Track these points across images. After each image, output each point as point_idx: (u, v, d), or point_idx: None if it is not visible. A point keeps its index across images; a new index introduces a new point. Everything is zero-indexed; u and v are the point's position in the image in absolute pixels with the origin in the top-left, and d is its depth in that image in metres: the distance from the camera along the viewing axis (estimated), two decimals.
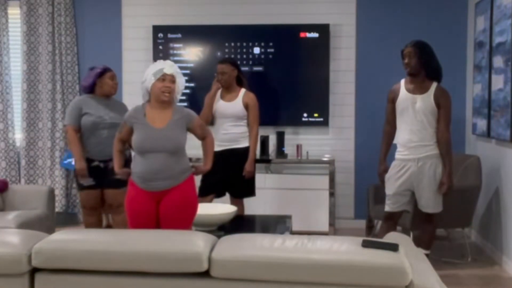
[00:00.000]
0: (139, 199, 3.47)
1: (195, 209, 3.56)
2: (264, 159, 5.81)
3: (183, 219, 3.41)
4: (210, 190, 4.82)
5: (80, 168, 4.41)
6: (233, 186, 4.88)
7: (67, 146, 4.72)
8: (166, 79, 3.42)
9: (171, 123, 3.43)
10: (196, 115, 3.63)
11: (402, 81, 4.29)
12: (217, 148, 4.82)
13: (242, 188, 4.88)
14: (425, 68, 4.16)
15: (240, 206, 4.78)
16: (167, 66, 3.46)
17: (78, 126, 4.44)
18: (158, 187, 3.42)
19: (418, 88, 4.18)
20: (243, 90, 4.88)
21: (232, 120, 4.83)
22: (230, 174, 4.80)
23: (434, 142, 4.17)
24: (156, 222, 3.46)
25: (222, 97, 4.88)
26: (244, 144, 4.84)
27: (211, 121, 4.92)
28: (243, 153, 4.80)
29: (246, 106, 4.82)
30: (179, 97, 3.57)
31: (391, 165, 4.30)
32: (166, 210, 3.42)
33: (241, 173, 4.79)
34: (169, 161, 3.40)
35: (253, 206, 5.18)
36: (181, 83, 3.51)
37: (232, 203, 4.78)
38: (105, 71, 4.53)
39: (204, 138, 3.69)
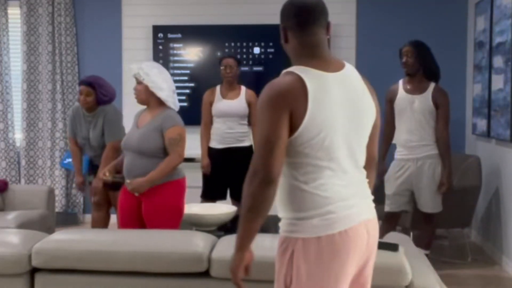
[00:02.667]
0: (123, 196, 3.55)
1: (178, 214, 3.52)
2: None
3: (165, 223, 3.37)
4: (214, 195, 4.79)
5: (77, 182, 4.66)
6: (237, 186, 4.85)
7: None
8: (136, 81, 3.48)
9: (148, 125, 3.43)
10: (173, 126, 3.39)
11: (400, 82, 4.30)
12: (219, 146, 4.83)
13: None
14: (423, 68, 4.17)
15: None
16: (133, 69, 3.45)
17: (76, 137, 4.57)
18: None
19: (416, 88, 4.19)
20: (243, 88, 4.87)
21: (237, 118, 4.80)
22: (233, 173, 4.76)
23: (433, 142, 4.17)
24: (140, 221, 3.48)
25: (223, 96, 4.84)
26: (246, 143, 4.83)
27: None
28: (246, 152, 4.78)
29: (249, 104, 4.81)
30: (164, 93, 3.42)
31: (391, 165, 4.30)
32: (146, 211, 3.44)
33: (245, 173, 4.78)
34: (137, 161, 3.40)
35: None
36: (150, 81, 3.39)
37: (234, 204, 4.76)
38: (79, 85, 4.44)
39: (168, 154, 3.41)
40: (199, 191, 4.89)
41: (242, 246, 1.88)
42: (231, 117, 4.78)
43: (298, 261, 1.82)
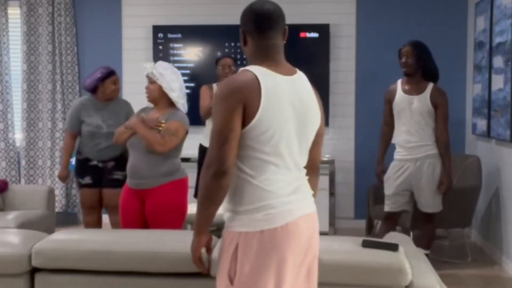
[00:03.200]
0: (125, 196, 3.53)
1: (181, 213, 3.51)
2: None
3: (169, 222, 3.37)
4: None
5: (61, 176, 4.61)
6: None
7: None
8: (148, 81, 3.48)
9: None
10: (177, 120, 3.42)
11: (399, 82, 4.30)
12: None
13: None
14: (422, 68, 4.17)
15: None
16: (147, 68, 3.47)
17: (77, 131, 4.46)
18: (138, 185, 3.44)
19: (415, 88, 4.19)
20: None
21: None
22: None
23: (432, 142, 4.17)
24: (143, 221, 3.48)
25: None
26: None
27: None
28: None
29: None
30: (175, 94, 3.44)
31: (390, 165, 4.30)
32: (149, 211, 3.43)
33: None
34: (146, 160, 3.40)
35: None
36: (165, 82, 3.41)
37: None
38: (108, 75, 4.43)
39: (176, 151, 3.51)
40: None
41: (200, 230, 2.01)
42: None
43: (242, 254, 1.91)
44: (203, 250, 2.05)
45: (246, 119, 1.90)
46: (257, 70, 1.96)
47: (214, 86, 4.97)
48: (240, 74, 1.97)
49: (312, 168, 2.12)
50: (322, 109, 2.12)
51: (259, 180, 1.93)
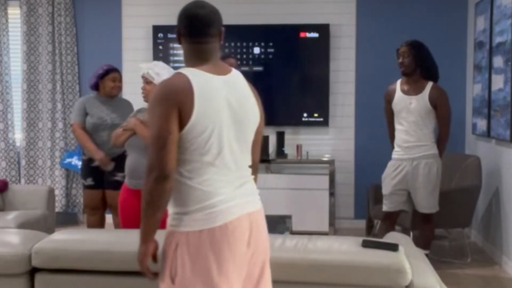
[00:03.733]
0: (125, 196, 3.54)
1: None
2: (264, 159, 5.80)
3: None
4: None
5: (101, 157, 4.35)
6: None
7: (79, 142, 4.55)
8: (144, 81, 3.48)
9: None
10: None
11: (398, 82, 4.30)
12: None
13: None
14: (420, 68, 4.17)
15: None
16: (143, 68, 3.47)
17: (84, 124, 4.46)
18: (138, 185, 3.42)
19: (413, 88, 4.19)
20: None
21: None
22: None
23: (431, 142, 4.18)
24: None
25: None
26: None
27: None
28: None
29: None
30: None
31: (388, 165, 4.31)
32: None
33: None
34: (142, 160, 3.36)
35: None
36: (161, 81, 3.44)
37: None
38: (107, 72, 4.48)
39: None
40: None
41: (146, 238, 1.99)
42: None
43: (182, 254, 1.91)
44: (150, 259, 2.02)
45: (182, 123, 1.89)
46: (189, 72, 1.96)
47: None
48: (173, 77, 1.97)
49: (252, 165, 2.11)
50: (261, 107, 2.11)
51: (198, 181, 1.93)
